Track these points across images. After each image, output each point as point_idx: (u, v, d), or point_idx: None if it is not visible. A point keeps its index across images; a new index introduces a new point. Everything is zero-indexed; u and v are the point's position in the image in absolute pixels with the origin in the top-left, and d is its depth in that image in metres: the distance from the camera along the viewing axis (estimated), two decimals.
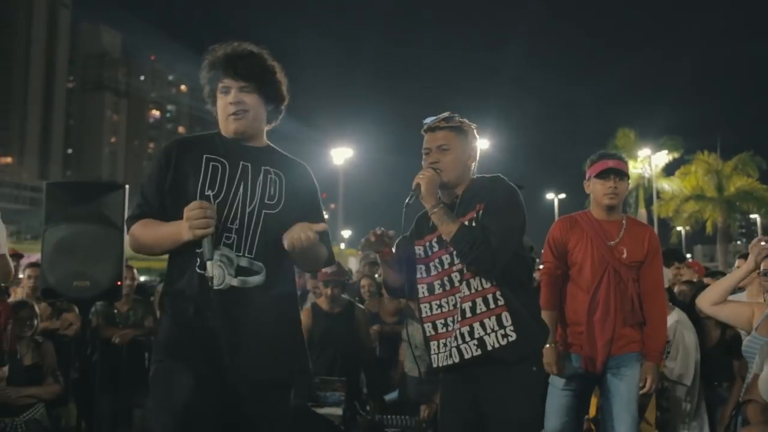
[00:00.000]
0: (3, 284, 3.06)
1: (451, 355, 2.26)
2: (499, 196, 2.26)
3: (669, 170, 26.07)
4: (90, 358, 4.56)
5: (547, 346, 2.79)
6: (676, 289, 4.90)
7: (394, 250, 2.39)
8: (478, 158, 2.41)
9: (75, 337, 4.46)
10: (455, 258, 2.26)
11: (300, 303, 5.94)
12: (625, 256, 2.96)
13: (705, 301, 3.06)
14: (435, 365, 2.35)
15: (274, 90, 2.12)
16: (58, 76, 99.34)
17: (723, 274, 6.27)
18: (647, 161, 25.78)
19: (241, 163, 2.05)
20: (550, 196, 40.41)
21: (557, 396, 2.97)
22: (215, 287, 1.93)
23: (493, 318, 2.21)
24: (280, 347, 2.01)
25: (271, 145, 2.19)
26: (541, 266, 3.21)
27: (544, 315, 2.65)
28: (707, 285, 4.79)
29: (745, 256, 4.09)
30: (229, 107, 2.04)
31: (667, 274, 4.14)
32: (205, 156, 2.04)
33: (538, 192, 40.20)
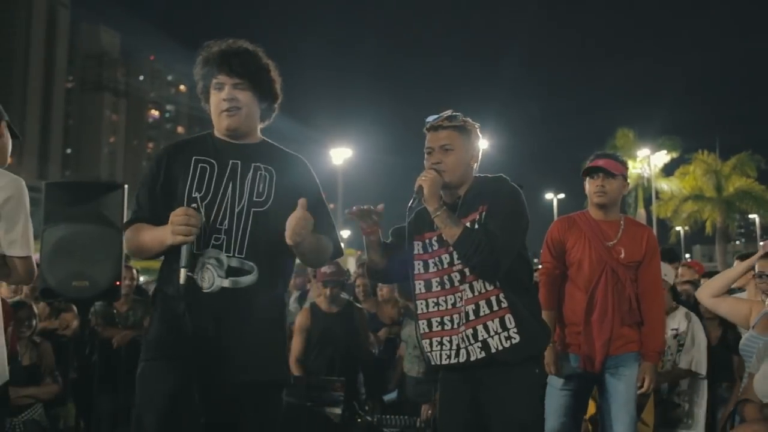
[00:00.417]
0: (25, 284, 3.06)
1: (457, 355, 2.25)
2: (502, 198, 2.25)
3: (668, 170, 26.12)
4: (89, 359, 4.55)
5: None
6: (678, 289, 4.88)
7: (385, 237, 2.38)
8: (480, 158, 2.40)
9: (74, 337, 4.46)
10: (455, 258, 2.25)
11: (300, 303, 5.96)
12: (623, 256, 2.97)
13: (705, 294, 3.09)
14: (434, 363, 2.33)
15: (267, 88, 2.11)
16: (57, 76, 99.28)
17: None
18: (646, 161, 25.80)
19: (231, 162, 2.04)
20: (549, 196, 40.43)
21: (555, 396, 2.97)
22: (204, 290, 1.93)
23: (497, 320, 2.21)
24: (270, 348, 2.01)
25: (267, 140, 2.18)
26: (539, 266, 3.21)
27: (543, 315, 2.66)
28: None
29: (743, 257, 4.11)
30: (222, 103, 2.03)
31: (671, 271, 4.13)
32: (194, 158, 2.04)
33: (536, 192, 40.20)
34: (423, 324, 2.34)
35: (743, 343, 2.91)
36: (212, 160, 2.04)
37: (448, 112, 2.34)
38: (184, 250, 1.89)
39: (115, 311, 4.89)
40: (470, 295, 2.24)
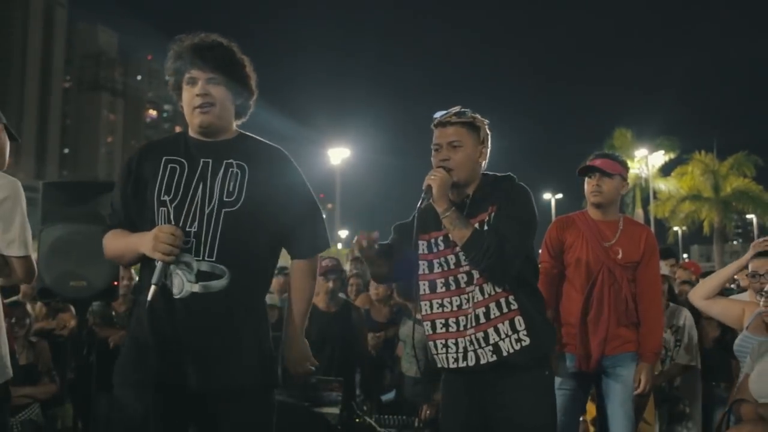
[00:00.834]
0: (25, 284, 3.05)
1: (465, 358, 2.20)
2: (512, 199, 2.19)
3: (666, 170, 26.17)
4: (86, 359, 4.53)
5: None
6: (676, 290, 4.89)
7: (391, 241, 2.37)
8: (488, 155, 2.33)
9: (71, 337, 4.45)
10: (462, 259, 2.20)
11: None
12: (620, 256, 2.97)
13: (697, 295, 3.09)
14: (440, 365, 2.28)
15: (242, 83, 2.03)
16: (54, 75, 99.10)
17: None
18: (644, 161, 25.84)
19: (202, 160, 1.95)
20: (547, 196, 40.50)
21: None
22: (175, 296, 1.86)
23: (507, 323, 2.17)
24: (248, 352, 1.92)
25: (243, 134, 2.08)
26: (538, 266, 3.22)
27: None
28: None
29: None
30: (196, 99, 1.95)
31: (665, 268, 4.16)
32: (164, 158, 1.97)
33: (535, 192, 40.10)
34: (427, 325, 2.29)
35: (737, 343, 2.92)
36: (183, 160, 1.96)
37: (456, 108, 2.27)
38: (159, 266, 1.83)
39: (113, 311, 4.89)
40: (480, 298, 2.19)
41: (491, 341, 2.17)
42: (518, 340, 2.16)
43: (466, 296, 2.21)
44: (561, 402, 2.97)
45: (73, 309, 4.41)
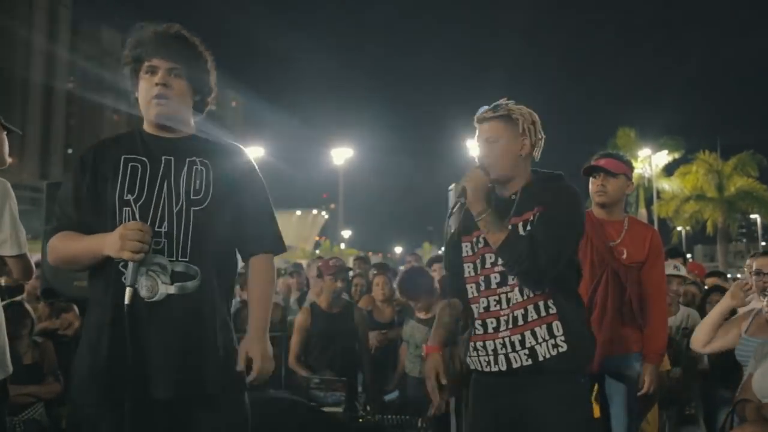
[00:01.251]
0: (22, 281, 3.03)
1: (497, 362, 2.13)
2: (557, 202, 2.10)
3: (669, 170, 26.11)
4: None
5: None
6: (682, 290, 4.87)
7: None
8: (540, 147, 2.22)
9: (75, 337, 4.45)
10: (499, 259, 2.13)
11: (300, 303, 5.96)
12: (625, 256, 2.96)
13: (699, 345, 3.12)
14: (473, 367, 2.22)
15: (203, 79, 1.96)
16: (58, 76, 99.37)
17: (723, 274, 6.26)
18: (647, 161, 25.79)
19: (163, 158, 1.88)
20: None
21: None
22: (147, 299, 1.77)
23: (544, 327, 2.09)
24: (224, 351, 1.87)
25: (199, 133, 2.00)
26: None
27: None
28: (712, 286, 4.80)
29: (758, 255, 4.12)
30: (154, 89, 1.86)
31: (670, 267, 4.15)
32: (123, 157, 1.87)
33: None
34: (479, 325, 2.20)
35: (738, 348, 2.92)
36: (143, 158, 1.87)
37: (497, 103, 2.19)
38: (132, 267, 1.73)
39: None
40: (519, 299, 2.12)
41: (527, 344, 2.10)
42: (555, 345, 2.08)
43: (496, 297, 2.15)
44: None
45: (76, 309, 4.41)
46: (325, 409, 3.82)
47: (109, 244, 1.75)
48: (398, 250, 56.12)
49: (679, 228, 26.51)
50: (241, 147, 2.03)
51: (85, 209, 1.87)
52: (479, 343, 2.18)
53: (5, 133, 2.71)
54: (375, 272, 5.71)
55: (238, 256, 2.03)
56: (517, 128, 2.17)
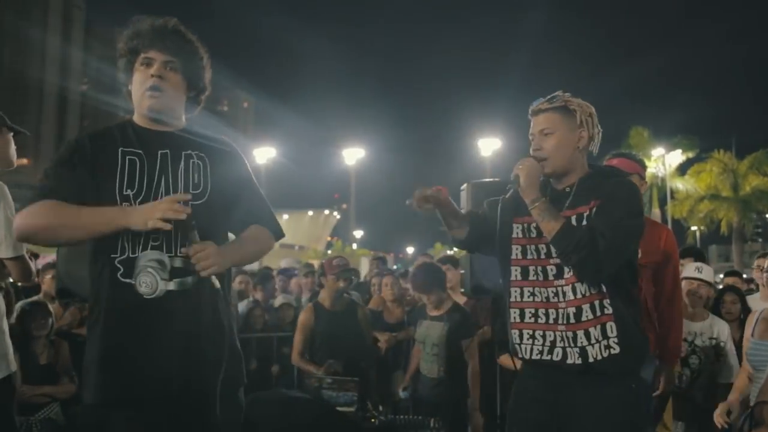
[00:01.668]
0: (22, 283, 3.05)
1: (551, 352, 2.08)
2: (616, 196, 2.04)
3: (683, 169, 25.92)
4: None
5: None
6: (705, 293, 4.78)
7: (479, 211, 2.28)
8: (598, 141, 2.17)
9: None
10: (553, 250, 2.07)
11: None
12: (639, 256, 2.93)
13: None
14: (521, 356, 2.16)
15: (199, 74, 1.94)
16: (72, 78, 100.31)
17: (740, 274, 6.20)
18: (661, 160, 25.61)
19: (159, 152, 1.84)
20: None
21: None
22: (146, 296, 1.74)
23: (598, 327, 2.02)
24: (221, 352, 1.86)
25: (190, 127, 1.97)
26: None
27: None
28: (725, 286, 4.74)
29: (764, 255, 4.08)
30: (149, 80, 1.83)
31: (708, 270, 4.05)
32: (120, 149, 1.82)
33: None
34: (515, 313, 2.17)
35: (749, 352, 2.88)
36: (139, 151, 1.83)
37: (556, 93, 2.14)
38: (166, 260, 1.74)
39: None
40: (572, 297, 2.06)
41: (579, 344, 2.04)
42: (608, 347, 2.01)
43: (554, 289, 2.09)
44: None
45: None
46: (337, 408, 3.82)
47: (134, 214, 1.70)
48: (410, 250, 56.16)
49: (693, 228, 26.29)
50: (230, 140, 2.02)
51: (83, 187, 1.79)
52: (538, 332, 2.12)
53: (11, 134, 2.72)
54: (384, 272, 5.72)
55: None
56: (575, 120, 2.11)
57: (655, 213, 24.91)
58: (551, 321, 2.10)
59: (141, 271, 1.74)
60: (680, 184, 25.33)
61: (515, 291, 2.18)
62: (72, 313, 4.64)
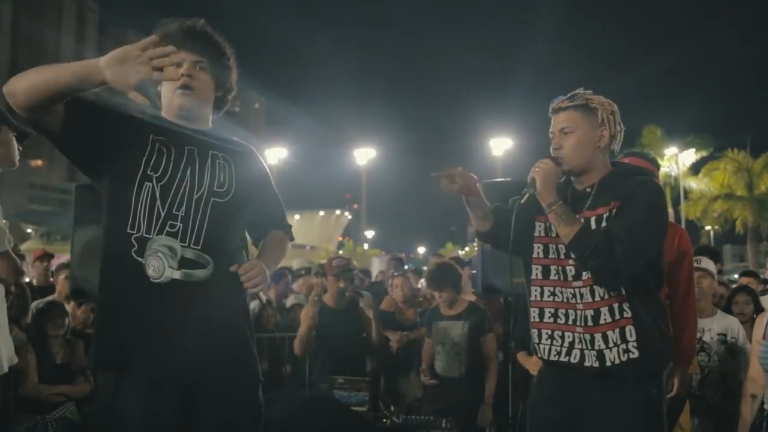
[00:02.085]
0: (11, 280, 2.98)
1: (569, 354, 2.06)
2: (637, 197, 1.99)
3: (696, 168, 25.68)
4: None
5: None
6: (706, 285, 4.72)
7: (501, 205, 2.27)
8: (620, 140, 2.13)
9: None
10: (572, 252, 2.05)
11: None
12: None
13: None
14: (540, 355, 2.15)
15: (226, 75, 1.99)
16: None
17: (757, 275, 6.15)
18: (674, 160, 25.40)
19: (186, 147, 1.87)
20: None
21: None
22: (152, 280, 1.75)
23: (617, 330, 1.99)
24: (226, 348, 1.84)
25: (217, 129, 2.02)
26: None
27: None
28: (738, 286, 4.69)
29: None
30: (180, 79, 1.85)
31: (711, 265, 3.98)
32: (151, 136, 1.85)
33: None
34: (534, 312, 2.15)
35: (761, 354, 2.85)
36: (169, 142, 1.85)
37: (577, 91, 2.11)
38: (178, 248, 1.76)
39: None
40: (590, 300, 2.03)
41: (596, 347, 2.01)
42: (626, 351, 1.98)
43: (572, 290, 2.07)
44: None
45: None
46: (349, 408, 3.83)
47: (114, 62, 1.62)
48: (421, 250, 56.12)
49: (707, 227, 26.04)
50: (253, 147, 2.06)
51: (107, 114, 1.80)
52: (557, 333, 2.09)
53: (14, 134, 2.72)
54: (395, 274, 5.76)
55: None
56: (596, 118, 2.08)
57: (669, 213, 24.65)
58: (570, 322, 2.07)
59: (152, 254, 1.76)
60: (694, 184, 25.10)
61: (535, 290, 2.16)
62: (85, 312, 4.69)
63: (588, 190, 2.09)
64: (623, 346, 1.98)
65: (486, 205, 2.27)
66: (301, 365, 4.80)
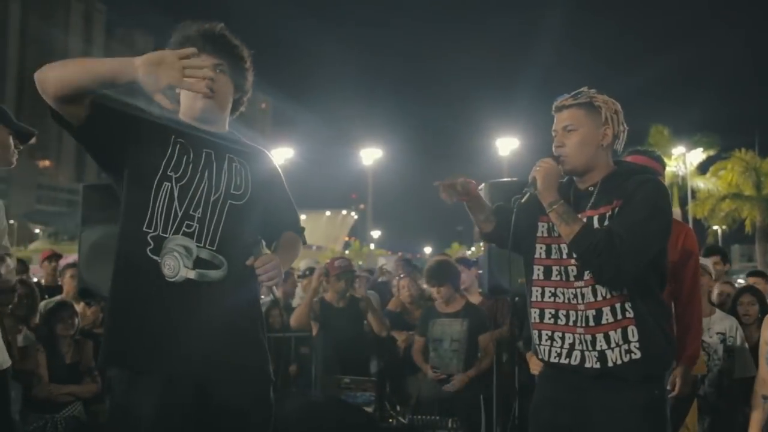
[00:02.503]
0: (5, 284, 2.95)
1: (569, 356, 2.05)
2: (639, 196, 1.97)
3: (703, 168, 25.56)
4: None
5: None
6: (717, 289, 4.66)
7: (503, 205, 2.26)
8: (623, 139, 2.11)
9: None
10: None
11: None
12: None
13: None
14: (541, 357, 2.13)
15: (244, 77, 2.01)
16: None
17: (763, 274, 6.12)
18: (681, 159, 25.30)
19: (205, 150, 1.89)
20: None
21: None
22: (167, 279, 1.77)
23: (619, 331, 1.97)
24: (238, 348, 1.84)
25: (233, 132, 2.05)
26: None
27: None
28: (744, 286, 4.66)
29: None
30: (201, 82, 1.85)
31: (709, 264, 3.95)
32: (172, 137, 1.87)
33: None
34: (535, 313, 2.14)
35: None
36: (188, 144, 1.87)
37: (580, 89, 2.10)
38: (194, 248, 1.77)
39: None
40: (591, 299, 2.01)
41: (598, 347, 1.99)
42: (628, 351, 1.96)
43: (573, 291, 2.05)
44: None
45: None
46: (355, 408, 3.84)
47: (150, 64, 1.62)
48: (427, 250, 56.09)
49: (715, 227, 25.91)
50: (267, 152, 2.08)
51: (125, 114, 1.82)
52: (557, 334, 2.08)
53: (10, 133, 2.69)
54: (402, 275, 5.80)
55: None
56: (600, 117, 2.06)
57: (676, 212, 24.53)
58: (570, 323, 2.06)
59: (168, 253, 1.78)
60: (701, 183, 24.98)
61: (536, 290, 2.15)
62: (93, 313, 4.72)
63: (590, 189, 2.08)
64: (625, 346, 1.97)
65: (487, 207, 2.28)
66: (307, 365, 4.82)
